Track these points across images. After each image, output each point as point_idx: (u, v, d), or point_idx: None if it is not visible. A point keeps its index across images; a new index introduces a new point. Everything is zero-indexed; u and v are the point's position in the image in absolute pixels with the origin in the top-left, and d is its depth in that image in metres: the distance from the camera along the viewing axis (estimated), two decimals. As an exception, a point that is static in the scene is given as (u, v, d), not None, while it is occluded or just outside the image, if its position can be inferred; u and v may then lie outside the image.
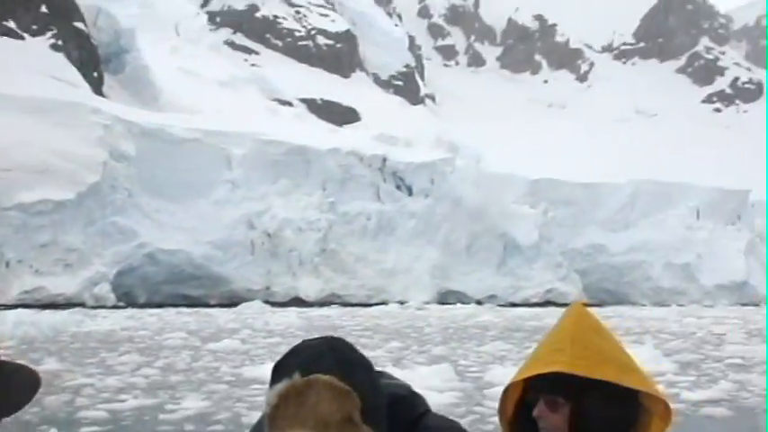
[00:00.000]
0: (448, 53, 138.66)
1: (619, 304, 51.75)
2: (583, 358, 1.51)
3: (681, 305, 51.35)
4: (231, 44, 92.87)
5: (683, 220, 58.59)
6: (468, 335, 23.02)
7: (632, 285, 57.11)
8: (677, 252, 57.06)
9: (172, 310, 32.87)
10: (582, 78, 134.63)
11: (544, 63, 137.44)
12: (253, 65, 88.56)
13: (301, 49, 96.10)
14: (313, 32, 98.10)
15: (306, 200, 44.66)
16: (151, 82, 60.24)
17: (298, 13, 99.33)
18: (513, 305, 45.64)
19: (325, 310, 36.10)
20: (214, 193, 42.01)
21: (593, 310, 1.63)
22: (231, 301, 38.97)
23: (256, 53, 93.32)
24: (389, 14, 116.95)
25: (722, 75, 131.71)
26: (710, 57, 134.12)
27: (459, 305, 42.10)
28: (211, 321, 27.05)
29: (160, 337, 20.26)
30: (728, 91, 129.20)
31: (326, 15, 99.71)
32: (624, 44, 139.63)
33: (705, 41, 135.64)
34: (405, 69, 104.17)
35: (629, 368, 1.53)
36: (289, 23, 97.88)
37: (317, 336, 1.32)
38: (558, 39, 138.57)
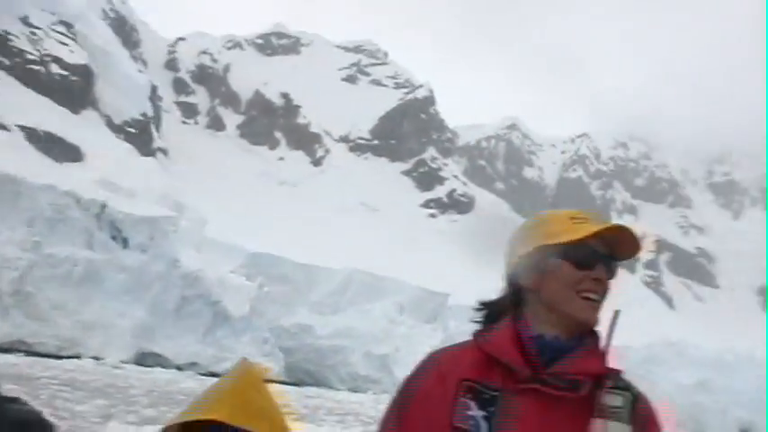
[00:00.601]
0: (189, 111, 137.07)
1: (317, 386, 52.58)
2: (241, 411, 1.59)
3: (374, 393, 53.25)
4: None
5: (387, 313, 61.37)
6: (176, 400, 22.23)
7: (332, 369, 58.41)
8: (378, 343, 59.43)
9: None
10: (317, 162, 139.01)
11: (283, 141, 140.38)
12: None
13: (30, 74, 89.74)
14: (47, 59, 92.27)
15: (7, 234, 40.90)
16: None
17: (33, 34, 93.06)
18: (213, 375, 44.65)
19: (10, 357, 32.90)
20: None
21: (259, 369, 1.72)
22: None
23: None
24: (135, 59, 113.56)
25: (442, 184, 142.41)
26: (434, 166, 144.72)
27: (158, 368, 40.42)
28: None
29: None
30: (445, 200, 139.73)
31: (65, 44, 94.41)
32: (360, 138, 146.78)
33: (432, 151, 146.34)
34: (141, 118, 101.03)
35: (282, 428, 1.63)
36: (21, 43, 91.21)
37: None
38: (300, 120, 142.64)
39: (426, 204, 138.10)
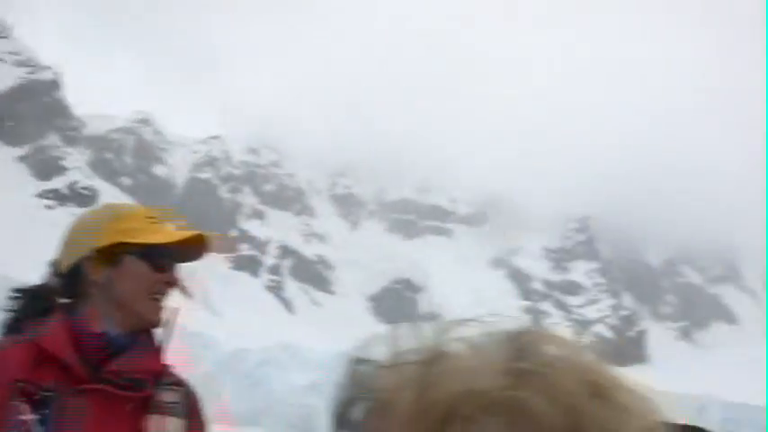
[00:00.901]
0: None
1: None
2: None
3: None
4: None
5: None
6: None
7: None
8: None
9: None
10: None
11: None
12: None
13: None
14: None
15: None
16: None
17: None
18: None
19: None
20: None
21: None
22: None
23: None
24: None
25: (63, 174, 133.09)
26: (56, 154, 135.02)
27: None
28: None
29: None
30: (65, 192, 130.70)
31: None
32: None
33: (54, 138, 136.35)
34: None
35: None
36: None
37: None
38: None
39: (43, 194, 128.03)
